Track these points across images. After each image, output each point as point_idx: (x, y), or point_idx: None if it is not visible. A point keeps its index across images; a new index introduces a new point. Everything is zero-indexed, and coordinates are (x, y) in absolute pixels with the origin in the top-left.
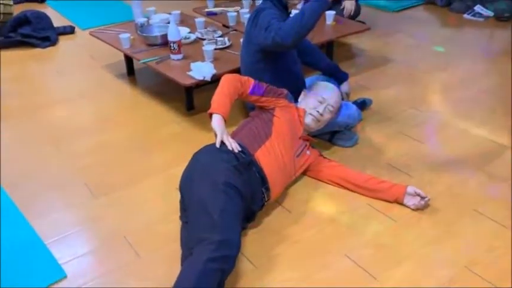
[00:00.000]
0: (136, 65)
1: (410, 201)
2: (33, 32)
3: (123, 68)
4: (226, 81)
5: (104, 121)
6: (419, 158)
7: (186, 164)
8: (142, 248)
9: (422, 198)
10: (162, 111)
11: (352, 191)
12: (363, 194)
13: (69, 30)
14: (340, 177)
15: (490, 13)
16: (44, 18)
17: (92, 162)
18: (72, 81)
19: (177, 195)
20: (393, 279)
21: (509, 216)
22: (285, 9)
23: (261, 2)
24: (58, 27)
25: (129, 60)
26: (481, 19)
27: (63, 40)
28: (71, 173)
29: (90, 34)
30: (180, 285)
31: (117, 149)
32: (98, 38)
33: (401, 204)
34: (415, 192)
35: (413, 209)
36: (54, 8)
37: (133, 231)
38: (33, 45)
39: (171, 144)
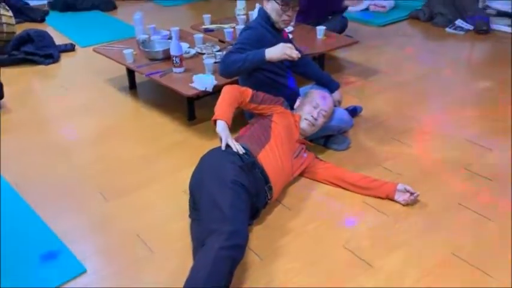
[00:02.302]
0: (138, 78)
1: (400, 197)
2: (36, 50)
3: (125, 82)
4: (227, 91)
5: (109, 132)
6: (409, 159)
7: (190, 168)
8: (155, 244)
9: (412, 194)
10: (165, 122)
11: (347, 189)
12: (357, 192)
13: (70, 48)
14: (336, 177)
15: (470, 26)
16: (46, 37)
17: (100, 170)
18: (76, 95)
19: (184, 197)
20: (387, 265)
21: (490, 209)
22: (273, 28)
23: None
24: (59, 45)
25: (131, 74)
26: (461, 32)
27: (65, 57)
28: (82, 180)
29: (94, 50)
30: (196, 272)
31: (123, 157)
32: (101, 53)
33: (393, 200)
34: (405, 189)
35: (403, 204)
36: (54, 26)
37: (146, 230)
38: (36, 63)
39: (175, 152)
